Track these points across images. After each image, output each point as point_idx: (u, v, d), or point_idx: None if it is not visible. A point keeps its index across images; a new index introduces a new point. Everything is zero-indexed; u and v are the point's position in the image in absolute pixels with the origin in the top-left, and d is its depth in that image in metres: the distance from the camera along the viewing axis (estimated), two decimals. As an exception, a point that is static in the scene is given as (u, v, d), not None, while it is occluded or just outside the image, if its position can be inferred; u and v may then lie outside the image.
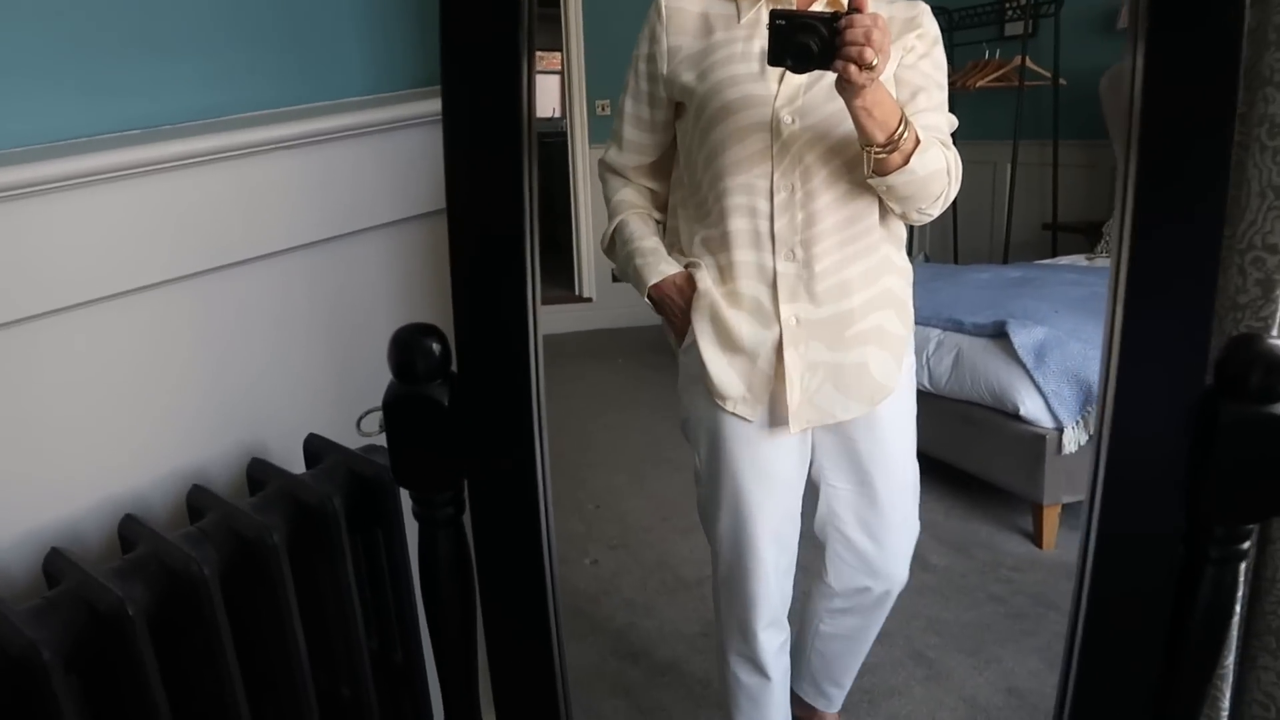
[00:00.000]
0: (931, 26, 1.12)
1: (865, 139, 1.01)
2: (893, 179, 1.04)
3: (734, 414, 1.18)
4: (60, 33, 0.92)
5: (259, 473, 1.05)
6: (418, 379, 0.74)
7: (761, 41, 1.09)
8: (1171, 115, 0.63)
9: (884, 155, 1.02)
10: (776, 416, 1.18)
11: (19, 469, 0.92)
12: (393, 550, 1.06)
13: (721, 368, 1.17)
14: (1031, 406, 2.27)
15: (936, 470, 2.55)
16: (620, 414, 3.14)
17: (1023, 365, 2.26)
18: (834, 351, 1.16)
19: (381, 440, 1.05)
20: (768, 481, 1.22)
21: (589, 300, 3.90)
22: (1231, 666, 1.19)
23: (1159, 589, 0.68)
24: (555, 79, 4.72)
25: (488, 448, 0.73)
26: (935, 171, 1.06)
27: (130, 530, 0.95)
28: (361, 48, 1.18)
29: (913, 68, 1.10)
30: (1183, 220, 0.63)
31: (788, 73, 1.07)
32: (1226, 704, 1.21)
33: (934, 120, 1.12)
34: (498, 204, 0.71)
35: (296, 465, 1.08)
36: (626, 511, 2.54)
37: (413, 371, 0.74)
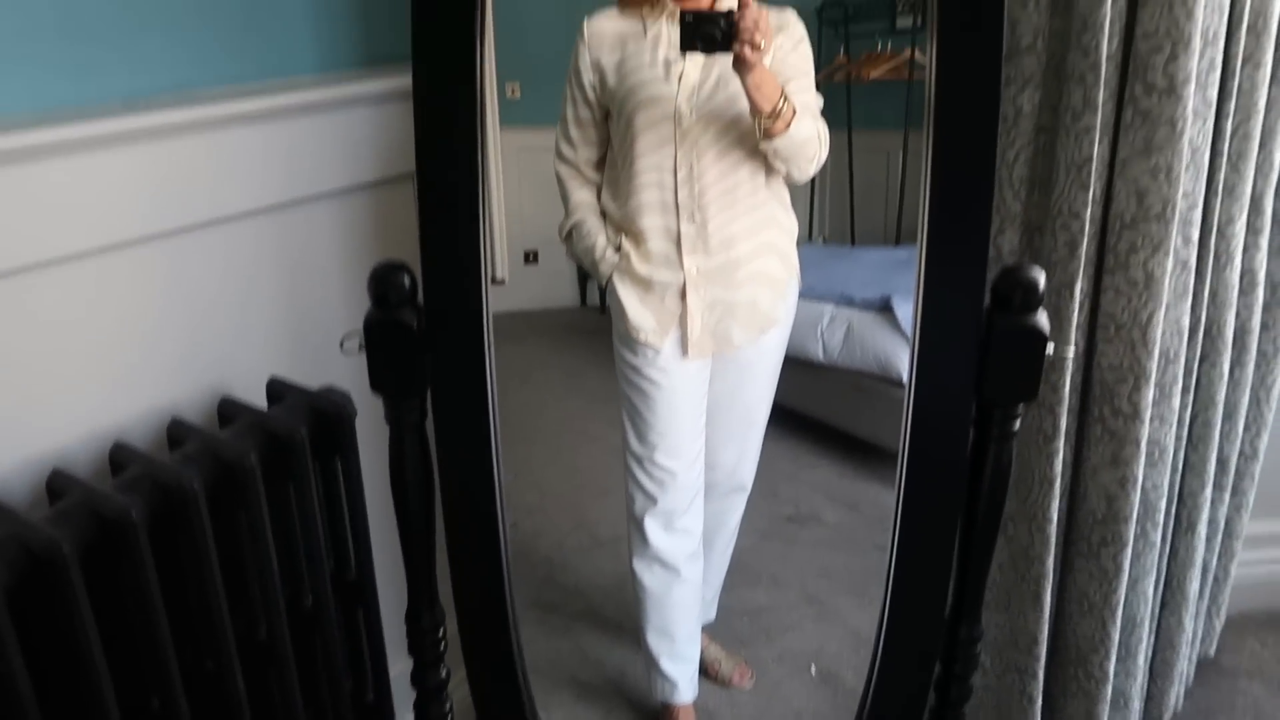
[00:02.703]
0: (798, 27, 1.43)
1: (755, 109, 1.34)
2: (777, 142, 1.38)
3: (645, 344, 1.49)
4: (44, 17, 1.09)
5: (228, 410, 1.24)
6: (390, 306, 0.96)
7: (664, 51, 1.42)
8: (954, 106, 0.90)
9: (769, 123, 1.35)
10: (682, 347, 1.54)
11: (18, 402, 1.09)
12: (349, 477, 1.27)
13: (636, 309, 1.50)
14: (914, 374, 2.58)
15: (833, 437, 2.85)
16: (534, 391, 3.33)
17: (905, 336, 2.57)
18: (728, 291, 1.52)
19: (337, 380, 1.26)
20: (673, 396, 1.56)
21: (501, 282, 4.09)
22: (1051, 567, 1.50)
23: (956, 461, 0.96)
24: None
25: (447, 360, 0.96)
26: (809, 137, 1.41)
27: (121, 455, 1.14)
28: (315, 30, 1.37)
29: (783, 61, 1.41)
30: (965, 192, 0.91)
31: (685, 74, 1.42)
32: (1048, 600, 1.52)
33: (805, 100, 1.46)
34: (457, 166, 0.94)
35: (260, 405, 1.28)
36: (542, 479, 2.76)
37: (387, 300, 0.96)
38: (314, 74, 1.37)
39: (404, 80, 1.41)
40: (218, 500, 1.13)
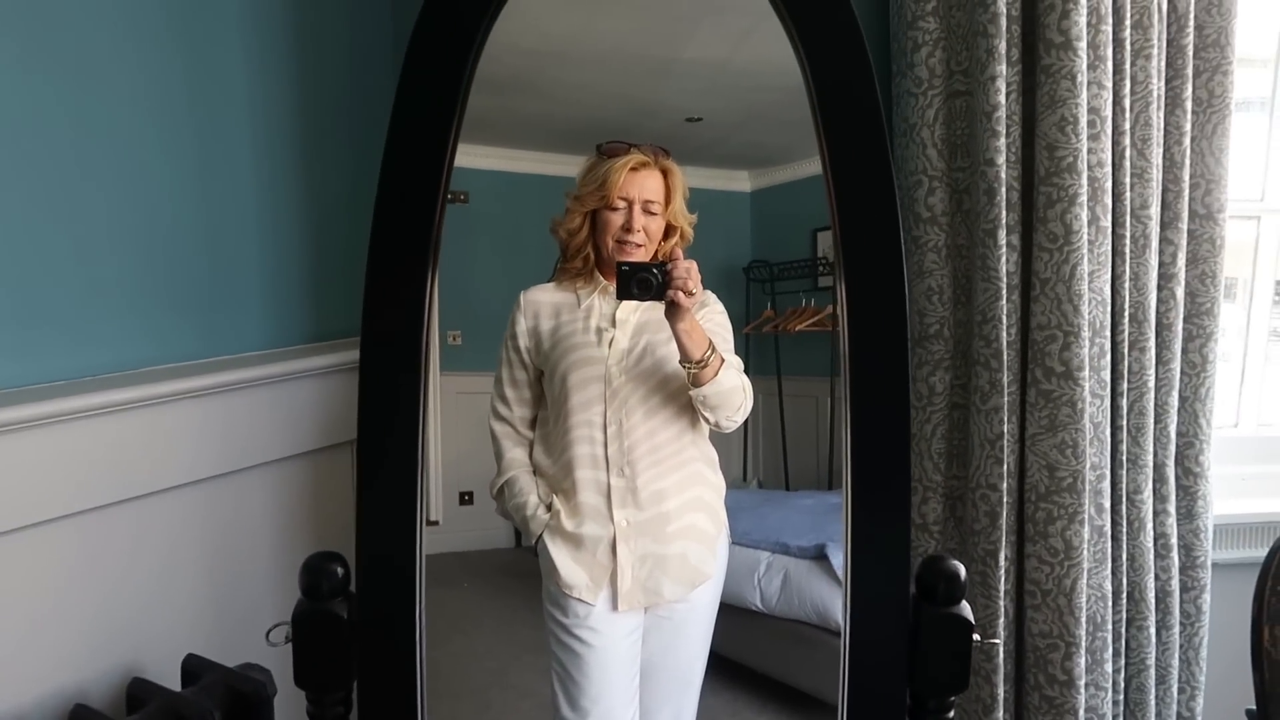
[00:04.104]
0: (716, 305, 1.57)
1: (685, 356, 1.42)
2: (706, 389, 1.45)
3: (579, 599, 1.48)
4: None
5: (139, 691, 1.18)
6: (322, 597, 0.94)
7: (596, 321, 1.52)
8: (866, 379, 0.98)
9: (698, 371, 1.43)
10: (613, 602, 1.52)
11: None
12: (263, 763, 1.19)
13: (568, 566, 1.51)
14: (852, 624, 2.57)
15: (774, 689, 2.76)
16: (465, 639, 3.20)
17: (840, 584, 2.57)
18: (658, 544, 1.54)
19: (259, 655, 1.22)
20: (605, 657, 1.53)
21: (436, 524, 4.04)
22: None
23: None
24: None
25: (378, 654, 0.94)
26: (734, 386, 1.49)
27: (14, 749, 1.06)
28: (265, 311, 1.44)
29: (708, 331, 1.52)
30: (883, 489, 0.97)
31: (615, 341, 1.51)
32: None
33: (729, 359, 1.53)
34: (398, 458, 0.96)
35: (174, 683, 1.22)
36: (470, 741, 2.60)
37: (319, 591, 0.95)
38: (262, 350, 1.42)
39: (349, 354, 1.49)
40: (116, 799, 1.05)
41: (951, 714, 0.99)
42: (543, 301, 1.56)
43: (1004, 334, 1.44)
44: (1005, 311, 1.45)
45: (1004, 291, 1.46)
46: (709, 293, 1.63)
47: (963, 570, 1.00)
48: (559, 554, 1.54)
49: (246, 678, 1.20)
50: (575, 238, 1.53)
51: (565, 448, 1.54)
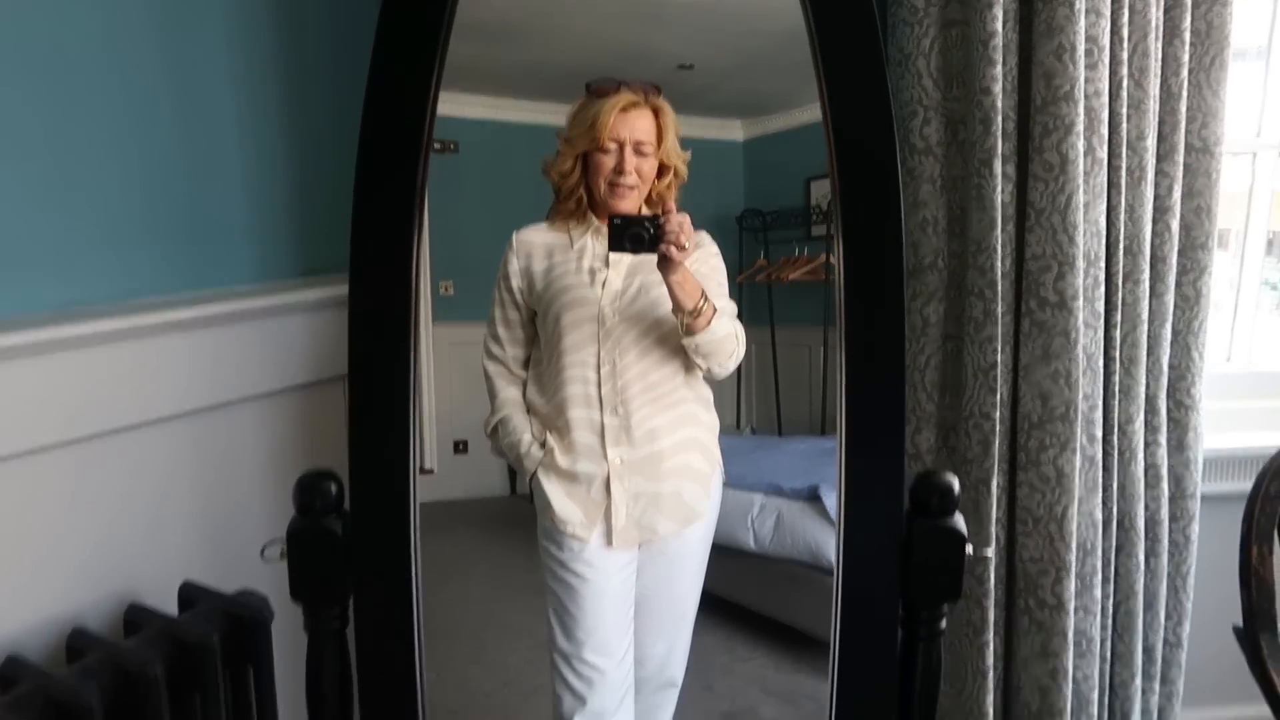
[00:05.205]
0: (711, 246, 1.55)
1: (678, 307, 1.42)
2: (699, 338, 1.45)
3: (573, 536, 1.48)
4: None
5: (136, 617, 1.18)
6: (316, 514, 0.94)
7: (589, 261, 1.51)
8: (861, 312, 0.97)
9: (691, 320, 1.43)
10: (607, 538, 1.53)
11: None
12: (261, 684, 1.20)
13: (562, 502, 1.51)
14: (844, 563, 2.60)
15: (767, 627, 2.80)
16: (460, 585, 3.22)
17: (834, 525, 2.59)
18: (652, 482, 1.54)
19: (255, 583, 1.22)
20: (600, 590, 1.55)
21: (430, 472, 4.05)
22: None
23: (886, 660, 0.96)
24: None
25: (373, 568, 0.94)
26: (727, 334, 1.49)
27: (12, 670, 1.06)
28: (252, 243, 1.42)
29: (701, 274, 1.51)
30: (878, 407, 0.97)
31: (609, 281, 1.50)
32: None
33: (722, 305, 1.53)
34: (390, 369, 0.96)
35: (171, 610, 1.22)
36: (467, 679, 2.62)
37: (312, 508, 0.95)
38: (250, 284, 1.40)
39: (340, 289, 1.47)
40: (118, 715, 1.05)
41: (943, 623, 1.01)
42: (535, 242, 1.55)
43: (999, 264, 1.44)
44: (1000, 242, 1.44)
45: (999, 221, 1.45)
46: (703, 233, 1.61)
47: (956, 483, 1.01)
48: (553, 491, 1.55)
49: (243, 602, 1.21)
50: (567, 180, 1.50)
51: (559, 387, 1.53)
